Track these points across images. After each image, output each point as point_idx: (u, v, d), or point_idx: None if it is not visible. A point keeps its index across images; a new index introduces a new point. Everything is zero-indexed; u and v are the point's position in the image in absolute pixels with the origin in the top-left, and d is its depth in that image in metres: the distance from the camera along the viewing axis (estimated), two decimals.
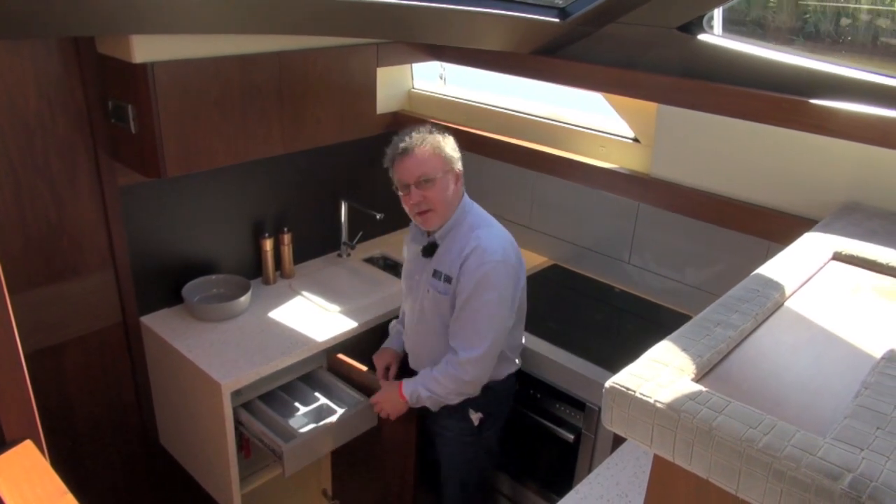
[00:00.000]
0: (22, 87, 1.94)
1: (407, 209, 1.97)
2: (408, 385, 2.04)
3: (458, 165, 1.96)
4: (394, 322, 2.39)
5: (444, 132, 1.98)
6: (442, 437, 2.17)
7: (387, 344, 2.34)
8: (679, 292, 2.49)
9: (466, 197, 2.02)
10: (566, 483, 2.26)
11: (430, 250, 2.01)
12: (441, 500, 2.32)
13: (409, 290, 2.14)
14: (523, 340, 2.18)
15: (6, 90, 1.91)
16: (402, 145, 1.92)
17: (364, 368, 2.29)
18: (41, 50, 1.95)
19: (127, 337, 2.39)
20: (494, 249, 1.91)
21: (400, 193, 1.96)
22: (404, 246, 2.22)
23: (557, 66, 2.29)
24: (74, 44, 2.00)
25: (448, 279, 1.96)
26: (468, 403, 2.05)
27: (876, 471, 0.77)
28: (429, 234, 2.03)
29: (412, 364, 2.21)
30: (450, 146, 1.95)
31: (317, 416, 2.27)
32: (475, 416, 2.07)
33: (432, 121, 2.80)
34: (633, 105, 2.32)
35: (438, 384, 1.97)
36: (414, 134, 1.94)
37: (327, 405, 2.30)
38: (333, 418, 2.18)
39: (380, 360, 2.28)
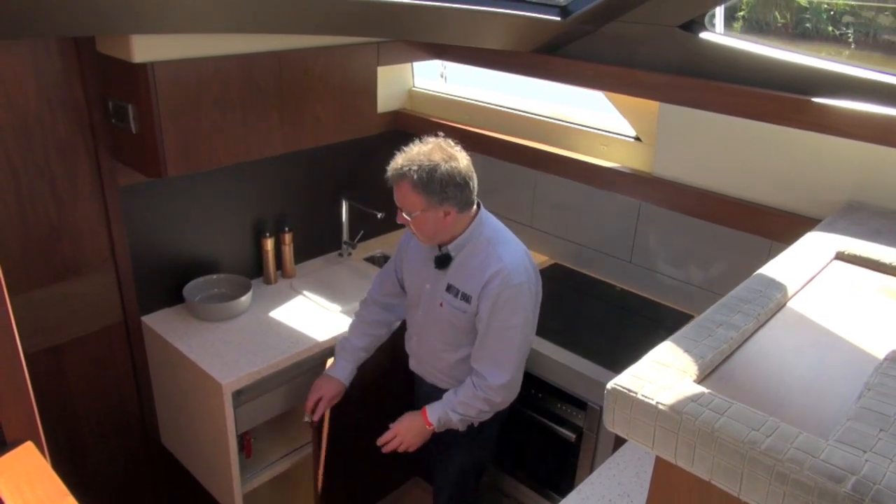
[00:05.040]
0: (22, 88, 1.93)
1: None
2: (433, 412, 1.97)
3: (450, 203, 1.79)
4: (343, 340, 2.18)
5: (451, 156, 1.80)
6: (448, 432, 2.16)
7: (334, 371, 2.14)
8: (680, 291, 2.49)
9: (483, 210, 1.93)
10: (567, 482, 2.25)
11: (443, 262, 1.93)
12: (439, 489, 2.31)
13: (416, 295, 2.06)
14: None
15: (6, 90, 1.90)
16: (390, 168, 1.82)
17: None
18: (41, 50, 1.94)
19: (128, 337, 2.38)
20: (518, 272, 1.84)
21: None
22: (403, 248, 2.13)
23: (559, 64, 2.29)
24: (74, 43, 1.99)
25: (466, 297, 1.89)
26: None
27: (879, 473, 0.76)
28: (440, 245, 1.94)
29: (413, 367, 2.20)
30: (442, 180, 1.75)
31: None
32: None
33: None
34: (635, 104, 2.31)
35: (470, 407, 1.93)
36: (412, 153, 1.80)
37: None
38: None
39: (319, 392, 2.10)
